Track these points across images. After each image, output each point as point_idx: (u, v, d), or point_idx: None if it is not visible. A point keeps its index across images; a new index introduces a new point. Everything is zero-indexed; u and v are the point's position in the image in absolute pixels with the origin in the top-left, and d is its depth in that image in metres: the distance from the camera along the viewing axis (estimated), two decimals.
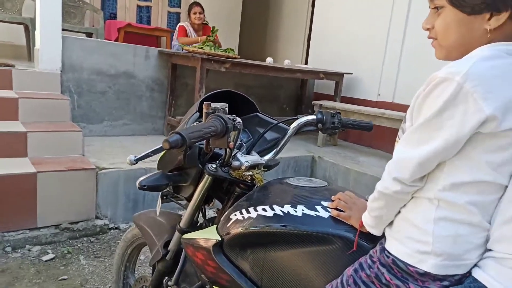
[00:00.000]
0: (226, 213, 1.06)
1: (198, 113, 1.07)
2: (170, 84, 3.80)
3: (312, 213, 0.87)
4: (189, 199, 1.18)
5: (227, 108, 0.94)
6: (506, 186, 0.69)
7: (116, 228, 2.67)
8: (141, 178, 1.07)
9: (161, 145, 0.85)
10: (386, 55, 4.26)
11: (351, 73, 4.48)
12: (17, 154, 2.54)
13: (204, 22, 4.66)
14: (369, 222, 0.81)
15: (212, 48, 3.65)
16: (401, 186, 0.72)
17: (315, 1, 5.31)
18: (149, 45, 4.92)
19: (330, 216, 0.87)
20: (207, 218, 1.26)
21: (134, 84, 3.66)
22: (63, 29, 3.22)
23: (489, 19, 0.68)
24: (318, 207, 0.88)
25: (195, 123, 1.00)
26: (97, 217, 2.61)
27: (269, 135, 1.20)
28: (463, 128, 0.64)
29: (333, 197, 0.91)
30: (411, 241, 0.72)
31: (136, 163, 0.91)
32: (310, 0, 6.26)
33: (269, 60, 4.36)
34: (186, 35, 4.56)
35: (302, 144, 4.07)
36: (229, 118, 0.87)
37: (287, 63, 4.60)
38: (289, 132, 1.16)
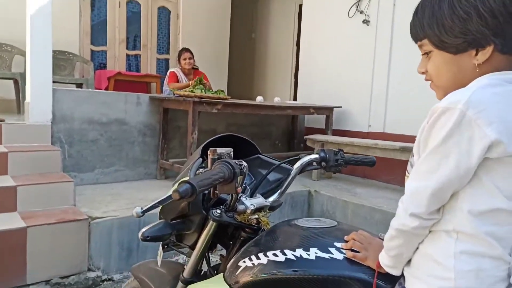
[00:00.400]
0: (233, 260, 1.01)
1: (201, 159, 1.05)
2: (162, 128, 3.80)
3: (326, 255, 0.83)
4: (192, 247, 1.13)
5: (232, 153, 0.93)
6: None
7: (109, 280, 2.55)
8: (144, 229, 1.03)
9: (168, 194, 0.82)
10: (373, 88, 4.35)
11: (340, 106, 4.56)
12: (6, 209, 2.45)
13: (194, 67, 4.76)
14: (388, 262, 0.77)
15: (203, 90, 3.70)
16: (419, 221, 0.69)
17: (299, 42, 5.49)
18: (139, 91, 4.98)
19: (345, 258, 0.83)
20: (211, 265, 1.20)
21: (126, 130, 3.65)
22: (53, 81, 3.23)
23: (476, 54, 0.70)
24: (332, 249, 0.84)
25: (201, 170, 0.97)
26: (89, 269, 2.49)
27: (272, 176, 1.18)
28: (470, 154, 0.64)
29: (346, 237, 0.88)
30: (433, 278, 0.69)
31: (143, 215, 0.88)
32: (294, 41, 6.48)
33: (259, 99, 4.41)
34: (177, 81, 4.63)
35: (297, 179, 4.01)
36: (236, 163, 0.85)
37: (277, 100, 4.67)
38: (293, 172, 1.14)
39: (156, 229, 1.03)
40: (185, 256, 1.23)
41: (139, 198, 3.11)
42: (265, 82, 7.06)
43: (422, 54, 0.78)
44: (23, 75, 4.14)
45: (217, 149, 0.90)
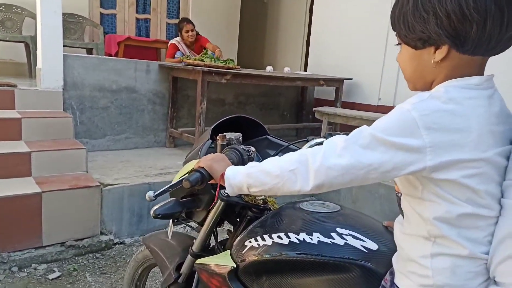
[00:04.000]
0: (239, 238, 1.06)
1: (210, 141, 1.08)
2: (171, 96, 3.81)
3: (328, 240, 0.88)
4: (201, 223, 1.19)
5: (240, 138, 0.95)
6: (497, 217, 0.70)
7: (121, 243, 2.67)
8: (156, 207, 1.08)
9: (180, 179, 0.86)
10: (386, 59, 4.27)
11: (351, 79, 4.50)
12: (21, 174, 2.54)
13: (196, 34, 4.67)
14: (252, 182, 0.81)
15: (212, 59, 3.67)
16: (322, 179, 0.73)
17: (312, 8, 5.34)
18: (149, 57, 4.95)
19: (346, 244, 0.87)
20: (219, 240, 1.26)
21: (135, 98, 3.67)
22: (63, 46, 3.23)
23: (434, 52, 0.72)
24: (334, 234, 0.89)
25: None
26: (102, 233, 2.61)
27: None
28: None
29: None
30: (415, 276, 0.75)
31: (155, 199, 0.92)
32: (307, 7, 6.29)
33: (269, 69, 4.37)
34: (175, 53, 4.55)
35: None
36: (244, 150, 0.88)
37: (287, 70, 4.61)
38: None
39: (167, 207, 1.08)
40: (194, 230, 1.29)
41: (149, 166, 3.18)
42: (276, 51, 6.93)
43: (396, 45, 0.81)
44: (33, 39, 4.13)
45: (226, 134, 0.93)
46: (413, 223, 0.75)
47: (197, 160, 1.07)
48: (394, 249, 0.85)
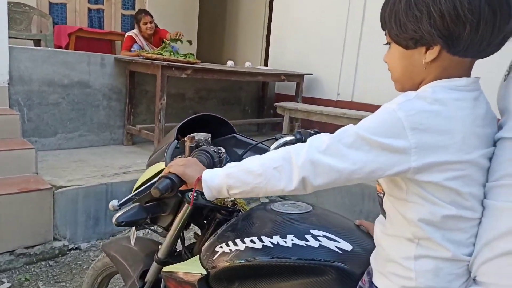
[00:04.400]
0: (209, 243, 1.01)
1: (176, 141, 1.02)
2: (128, 92, 3.65)
3: (302, 243, 0.86)
4: (167, 228, 1.13)
5: (210, 138, 0.90)
6: (480, 218, 0.71)
7: (76, 249, 2.52)
8: (118, 214, 1.00)
9: (147, 186, 0.80)
10: (344, 55, 4.36)
11: (311, 74, 4.55)
12: None
13: (155, 26, 4.50)
14: (232, 182, 0.77)
15: (172, 53, 3.55)
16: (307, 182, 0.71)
17: (272, 3, 5.33)
18: (102, 50, 4.71)
19: (321, 245, 0.86)
20: (186, 245, 1.21)
21: (89, 93, 3.47)
22: (8, 37, 2.98)
23: (425, 52, 0.71)
24: (308, 236, 0.87)
25: (178, 157, 0.94)
26: (55, 239, 2.44)
27: (248, 156, 1.17)
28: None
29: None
30: (396, 277, 0.74)
31: (120, 208, 0.85)
32: (267, 2, 6.27)
33: (230, 63, 4.31)
34: (132, 46, 4.36)
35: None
36: (215, 151, 0.83)
37: (248, 65, 4.58)
38: None
39: (130, 214, 1.01)
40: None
41: (105, 166, 3.03)
42: (236, 45, 6.87)
43: (385, 44, 0.79)
44: None
45: (195, 135, 0.88)
46: (396, 224, 0.74)
47: (163, 162, 1.01)
48: (368, 249, 0.85)
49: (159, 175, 0.77)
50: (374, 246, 0.82)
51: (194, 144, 0.87)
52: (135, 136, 3.74)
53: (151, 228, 1.20)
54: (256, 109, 4.94)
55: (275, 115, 4.51)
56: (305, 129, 1.19)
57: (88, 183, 2.61)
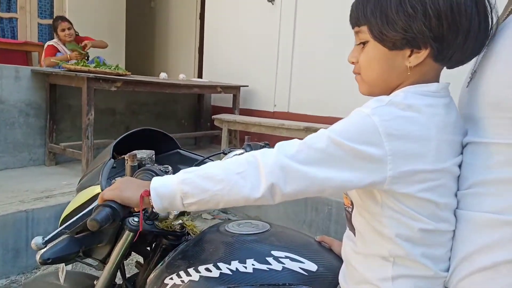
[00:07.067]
0: (155, 274, 0.89)
1: (112, 160, 0.89)
2: (49, 107, 3.31)
3: (264, 267, 0.78)
4: (104, 260, 0.98)
5: (153, 156, 0.79)
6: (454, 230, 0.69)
7: None
8: (43, 251, 0.84)
9: (78, 217, 0.67)
10: (278, 66, 4.42)
11: (247, 86, 4.54)
12: None
13: (75, 33, 4.23)
14: (188, 189, 0.66)
15: (99, 65, 3.31)
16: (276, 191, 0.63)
17: (203, 15, 5.26)
18: (16, 61, 4.27)
19: (284, 268, 0.79)
20: (127, 277, 1.06)
21: (2, 109, 3.08)
22: None
23: (410, 56, 0.67)
24: (269, 259, 0.79)
25: (117, 178, 0.81)
26: None
27: None
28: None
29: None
30: None
31: (45, 246, 0.70)
32: (197, 14, 6.20)
33: (163, 75, 4.14)
34: (57, 54, 4.05)
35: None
36: (161, 170, 0.72)
37: (182, 77, 4.45)
38: None
39: (59, 249, 0.85)
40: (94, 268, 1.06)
41: (25, 190, 2.69)
42: (167, 57, 6.66)
43: (357, 44, 0.73)
44: None
45: (136, 153, 0.76)
46: (369, 241, 0.69)
47: (97, 185, 0.87)
48: (333, 267, 0.80)
49: (96, 205, 0.64)
50: (339, 264, 0.77)
51: (136, 163, 0.75)
52: (58, 155, 3.39)
53: (85, 261, 1.04)
54: (192, 122, 4.80)
55: (213, 128, 4.42)
56: (252, 142, 1.13)
57: (4, 211, 2.28)
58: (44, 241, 0.70)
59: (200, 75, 5.44)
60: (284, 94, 4.40)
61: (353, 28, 0.72)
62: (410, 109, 0.64)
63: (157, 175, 0.72)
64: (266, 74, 4.49)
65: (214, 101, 5.00)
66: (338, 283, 0.76)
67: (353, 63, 0.74)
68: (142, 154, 0.78)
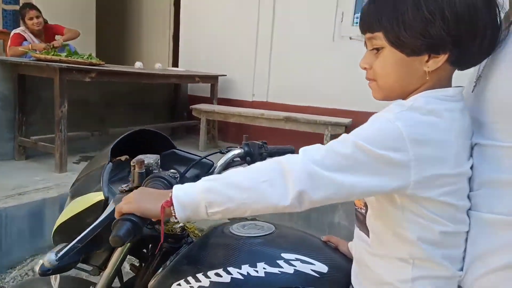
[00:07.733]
0: (159, 279, 0.87)
1: (111, 164, 0.85)
2: (18, 99, 3.13)
3: (275, 270, 0.77)
4: (102, 266, 0.94)
5: (159, 160, 0.76)
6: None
7: None
8: (41, 261, 0.79)
9: (91, 228, 0.63)
10: (257, 55, 4.38)
11: (225, 75, 4.48)
12: None
13: (44, 21, 4.01)
14: (213, 198, 0.65)
15: (70, 54, 3.16)
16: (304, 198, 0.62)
17: (178, 2, 5.11)
18: None
19: (296, 270, 0.78)
20: (124, 280, 1.03)
21: None
22: None
23: (427, 61, 0.67)
24: (280, 262, 0.78)
25: (124, 187, 0.76)
26: None
27: (190, 173, 1.05)
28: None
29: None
30: None
31: (58, 263, 0.66)
32: (172, 1, 6.01)
33: (138, 65, 4.01)
34: (23, 42, 3.84)
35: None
36: (171, 176, 0.70)
37: (158, 66, 4.33)
38: (217, 170, 1.02)
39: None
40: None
41: None
42: (140, 45, 6.45)
43: (370, 50, 0.71)
44: None
45: (143, 158, 0.73)
46: (386, 243, 0.70)
47: (98, 192, 0.83)
48: (342, 267, 0.80)
49: (115, 220, 0.61)
50: (348, 264, 0.77)
51: (144, 170, 0.72)
52: (29, 149, 3.24)
53: (79, 267, 1.00)
54: (168, 113, 4.69)
55: (190, 118, 4.34)
56: (250, 140, 1.11)
57: None
58: (57, 257, 0.66)
59: (175, 64, 5.31)
60: (263, 83, 4.37)
61: (364, 33, 0.71)
62: (432, 114, 0.64)
63: (169, 182, 0.69)
64: (245, 63, 4.43)
65: (191, 91, 4.90)
66: (350, 284, 0.77)
67: (365, 68, 0.73)
68: (149, 159, 0.74)
